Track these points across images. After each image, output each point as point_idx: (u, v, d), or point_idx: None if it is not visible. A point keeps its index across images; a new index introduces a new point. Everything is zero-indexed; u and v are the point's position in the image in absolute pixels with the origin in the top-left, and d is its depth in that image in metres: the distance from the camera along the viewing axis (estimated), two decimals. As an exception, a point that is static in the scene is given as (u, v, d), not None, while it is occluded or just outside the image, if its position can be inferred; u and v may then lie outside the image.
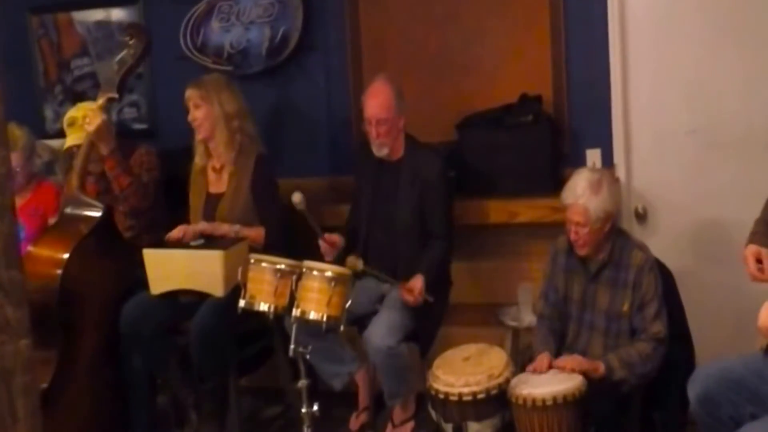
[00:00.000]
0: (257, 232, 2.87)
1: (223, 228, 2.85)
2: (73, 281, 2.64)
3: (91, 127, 2.80)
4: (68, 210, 2.78)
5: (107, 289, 2.77)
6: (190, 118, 2.94)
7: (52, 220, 2.94)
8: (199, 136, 2.95)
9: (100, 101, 2.84)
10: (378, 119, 2.77)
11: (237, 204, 2.90)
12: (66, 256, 2.63)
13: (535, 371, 2.32)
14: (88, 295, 2.71)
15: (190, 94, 2.94)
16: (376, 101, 2.79)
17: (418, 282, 2.69)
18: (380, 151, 2.83)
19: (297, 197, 2.52)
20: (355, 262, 2.57)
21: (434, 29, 3.28)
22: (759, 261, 2.04)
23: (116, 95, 2.89)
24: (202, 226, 2.87)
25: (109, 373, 2.78)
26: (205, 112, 2.92)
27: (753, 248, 2.06)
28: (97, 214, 2.75)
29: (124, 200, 2.95)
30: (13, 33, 3.81)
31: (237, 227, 2.86)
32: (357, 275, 2.58)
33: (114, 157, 2.88)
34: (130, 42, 2.92)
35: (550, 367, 2.33)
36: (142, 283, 2.75)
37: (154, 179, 3.01)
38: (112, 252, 2.81)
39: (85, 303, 2.70)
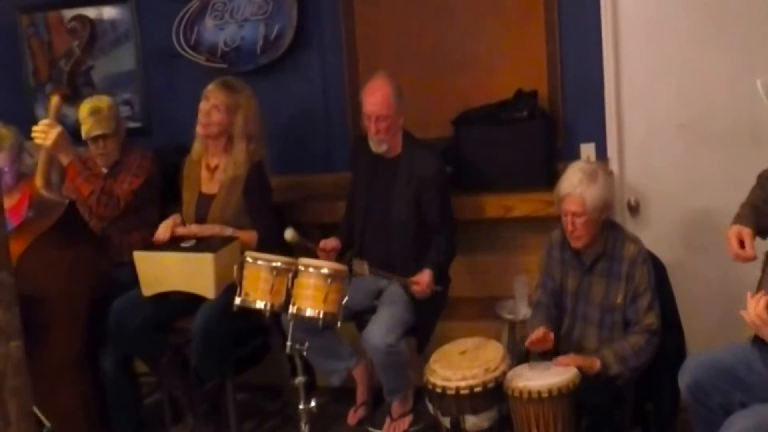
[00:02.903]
0: (249, 236, 2.83)
1: (215, 230, 2.82)
2: (29, 279, 2.51)
3: (48, 142, 2.75)
4: (30, 213, 2.73)
5: (75, 285, 2.70)
6: (202, 112, 2.86)
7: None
8: (202, 132, 2.89)
9: (54, 101, 2.80)
10: (378, 116, 2.77)
11: (229, 207, 2.87)
12: (20, 252, 2.54)
13: (532, 342, 2.34)
14: (52, 293, 2.63)
15: (217, 94, 2.85)
16: (376, 98, 2.79)
17: (424, 276, 2.74)
18: (379, 147, 2.84)
19: (289, 235, 2.53)
20: (362, 267, 2.60)
21: (429, 26, 3.28)
22: (741, 240, 2.07)
23: (67, 90, 2.85)
24: (195, 229, 2.82)
25: (92, 372, 2.75)
26: (221, 120, 2.86)
27: (735, 228, 2.10)
28: (58, 210, 2.67)
29: (88, 209, 2.90)
30: (3, 32, 3.79)
31: (230, 230, 2.83)
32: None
33: (74, 166, 2.84)
34: (75, 33, 2.87)
35: (546, 338, 2.34)
36: (133, 281, 2.75)
37: (134, 187, 2.93)
38: (78, 247, 2.74)
39: (45, 300, 2.60)
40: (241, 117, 2.87)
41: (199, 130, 2.90)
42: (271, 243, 2.72)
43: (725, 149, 2.93)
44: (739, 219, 2.14)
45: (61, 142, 2.78)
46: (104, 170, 3.01)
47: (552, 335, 2.38)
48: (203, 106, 2.88)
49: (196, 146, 2.97)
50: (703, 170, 2.96)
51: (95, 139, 2.95)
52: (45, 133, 2.77)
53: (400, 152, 2.87)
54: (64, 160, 2.84)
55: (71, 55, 2.86)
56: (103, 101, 3.02)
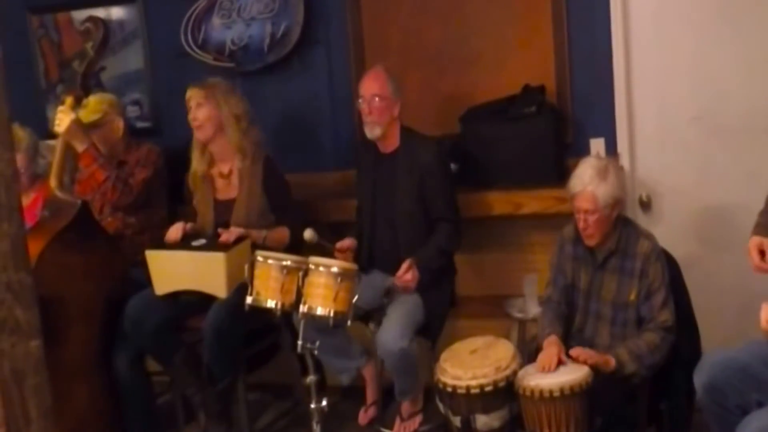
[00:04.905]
0: (282, 233, 2.86)
1: (252, 235, 2.81)
2: (45, 279, 2.51)
3: (61, 128, 2.81)
4: (46, 213, 2.76)
5: (89, 285, 2.72)
6: (190, 117, 2.92)
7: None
8: (200, 136, 2.92)
9: (68, 101, 2.85)
10: (372, 93, 2.79)
11: (252, 208, 2.88)
12: (37, 253, 2.55)
13: (544, 370, 2.29)
14: (67, 293, 2.64)
15: (192, 93, 2.92)
16: (371, 80, 2.83)
17: (405, 267, 2.68)
18: (372, 131, 2.83)
19: (308, 234, 2.52)
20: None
21: (436, 22, 3.26)
22: (762, 252, 2.05)
23: (80, 92, 2.90)
24: (238, 231, 2.78)
25: (106, 372, 2.76)
26: (207, 113, 2.90)
27: (756, 240, 2.08)
28: (71, 211, 2.70)
29: (101, 195, 2.94)
30: (14, 33, 3.80)
31: (264, 233, 2.84)
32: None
33: (89, 153, 2.88)
34: (89, 35, 2.91)
35: (560, 362, 2.30)
36: (146, 281, 2.76)
37: (144, 178, 2.98)
38: (92, 248, 2.76)
39: (61, 301, 2.61)
40: (221, 101, 2.90)
41: (197, 138, 2.93)
42: (300, 237, 2.73)
43: (739, 142, 2.89)
44: (759, 229, 2.11)
45: (74, 128, 2.83)
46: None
47: (563, 347, 2.34)
48: (190, 114, 2.92)
49: (197, 162, 2.96)
50: (716, 164, 2.92)
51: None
52: (60, 119, 2.82)
53: (399, 146, 2.87)
54: (79, 147, 2.87)
55: (85, 56, 2.91)
56: (95, 96, 3.05)
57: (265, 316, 2.48)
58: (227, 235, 2.75)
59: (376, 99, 2.79)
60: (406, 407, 2.86)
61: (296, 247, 2.76)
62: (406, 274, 2.68)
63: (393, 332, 2.63)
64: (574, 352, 2.31)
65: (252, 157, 2.91)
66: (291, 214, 2.91)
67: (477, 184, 3.09)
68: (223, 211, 2.92)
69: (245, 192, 2.90)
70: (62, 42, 3.77)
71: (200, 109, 2.90)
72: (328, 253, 2.67)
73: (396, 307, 2.73)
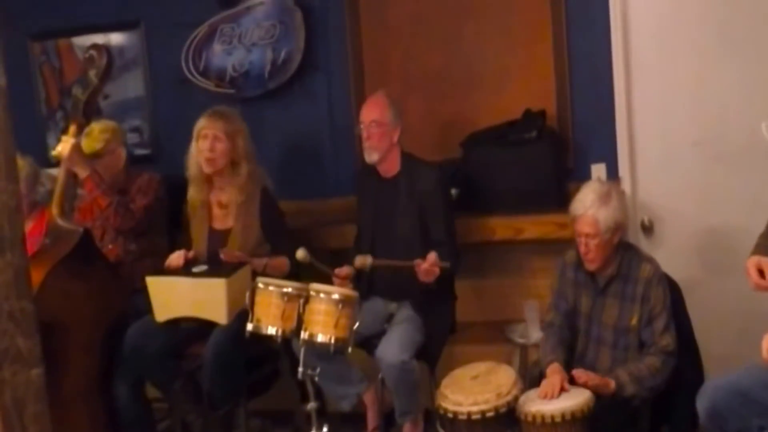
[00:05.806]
0: (282, 261, 2.85)
1: (253, 263, 2.80)
2: (46, 307, 2.46)
3: (64, 153, 2.83)
4: (47, 240, 2.76)
5: (91, 312, 2.71)
6: (205, 148, 2.84)
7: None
8: (209, 169, 2.88)
9: (71, 130, 2.87)
10: (371, 120, 2.80)
11: (248, 240, 2.87)
12: (39, 281, 2.54)
13: (546, 397, 2.27)
14: (69, 321, 2.64)
15: (211, 125, 2.86)
16: (371, 106, 2.85)
17: (430, 255, 2.64)
18: (371, 156, 2.84)
19: (301, 254, 2.52)
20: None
21: (436, 47, 3.28)
22: (760, 271, 2.06)
23: (83, 120, 2.93)
24: (240, 255, 2.78)
25: (106, 399, 2.75)
26: (225, 148, 2.86)
27: (754, 259, 2.09)
28: (73, 239, 2.71)
29: (104, 221, 2.95)
30: (15, 60, 3.82)
31: (264, 260, 2.84)
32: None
33: (92, 179, 2.89)
34: (92, 63, 2.94)
35: (563, 389, 2.28)
36: (146, 308, 2.74)
37: (145, 204, 2.98)
38: (93, 275, 2.76)
39: (62, 328, 2.60)
40: (241, 140, 2.89)
41: (206, 169, 2.88)
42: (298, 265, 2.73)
43: (740, 167, 2.89)
44: (758, 249, 2.12)
45: (75, 154, 2.85)
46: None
47: (566, 375, 2.33)
48: (203, 144, 2.87)
49: (196, 190, 2.94)
50: (717, 188, 2.92)
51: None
52: (62, 148, 2.84)
53: (400, 170, 2.88)
54: (81, 173, 2.88)
55: (87, 83, 2.93)
56: (98, 124, 3.07)
57: (266, 342, 2.47)
58: (228, 256, 2.75)
59: (375, 125, 2.80)
60: (407, 432, 2.84)
61: (296, 275, 2.76)
62: (435, 266, 2.62)
63: (394, 347, 2.63)
64: (577, 372, 2.30)
65: (251, 190, 2.90)
66: (287, 242, 2.88)
67: (478, 209, 3.09)
68: (218, 241, 2.90)
69: (241, 224, 2.89)
70: (63, 68, 3.78)
71: (219, 143, 2.85)
72: (325, 275, 2.66)
73: (396, 326, 2.73)
